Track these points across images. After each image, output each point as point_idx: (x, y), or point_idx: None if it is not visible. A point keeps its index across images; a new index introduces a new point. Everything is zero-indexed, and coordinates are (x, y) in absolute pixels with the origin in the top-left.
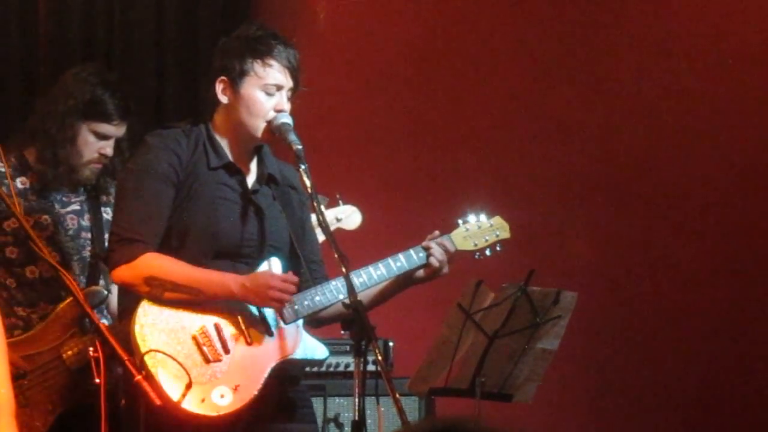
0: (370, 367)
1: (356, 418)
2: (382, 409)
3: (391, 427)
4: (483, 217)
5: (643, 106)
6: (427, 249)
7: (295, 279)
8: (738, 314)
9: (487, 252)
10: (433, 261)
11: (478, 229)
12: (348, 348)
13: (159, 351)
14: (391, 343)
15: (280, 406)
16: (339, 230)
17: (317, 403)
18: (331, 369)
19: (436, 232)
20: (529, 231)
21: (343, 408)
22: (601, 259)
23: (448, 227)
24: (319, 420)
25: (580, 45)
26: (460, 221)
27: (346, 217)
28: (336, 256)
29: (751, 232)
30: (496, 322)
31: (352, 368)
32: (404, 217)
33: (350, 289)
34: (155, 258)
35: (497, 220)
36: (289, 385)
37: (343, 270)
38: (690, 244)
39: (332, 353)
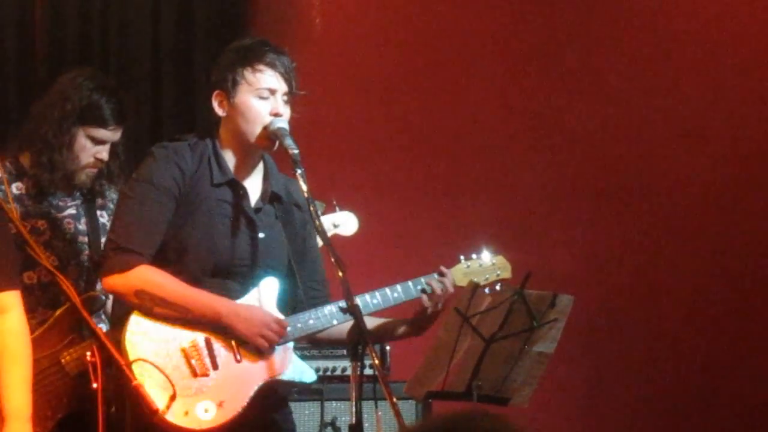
0: (367, 371)
1: (353, 421)
2: (380, 413)
3: (388, 430)
4: (485, 255)
5: (637, 109)
6: (427, 284)
7: (287, 326)
8: (734, 315)
9: (486, 290)
10: (425, 299)
11: (479, 267)
12: (345, 352)
13: (146, 360)
14: (387, 347)
15: (262, 429)
16: (336, 236)
17: (314, 407)
18: (328, 373)
19: (443, 269)
20: (526, 234)
21: (340, 412)
22: (598, 262)
23: (445, 232)
24: (316, 424)
25: (574, 50)
26: (462, 257)
27: (343, 223)
28: (333, 260)
29: (747, 234)
30: (493, 326)
31: (349, 372)
32: (400, 222)
33: (347, 293)
34: (148, 271)
35: (500, 259)
36: (275, 406)
37: (340, 275)
38: (686, 246)
39: (329, 357)
